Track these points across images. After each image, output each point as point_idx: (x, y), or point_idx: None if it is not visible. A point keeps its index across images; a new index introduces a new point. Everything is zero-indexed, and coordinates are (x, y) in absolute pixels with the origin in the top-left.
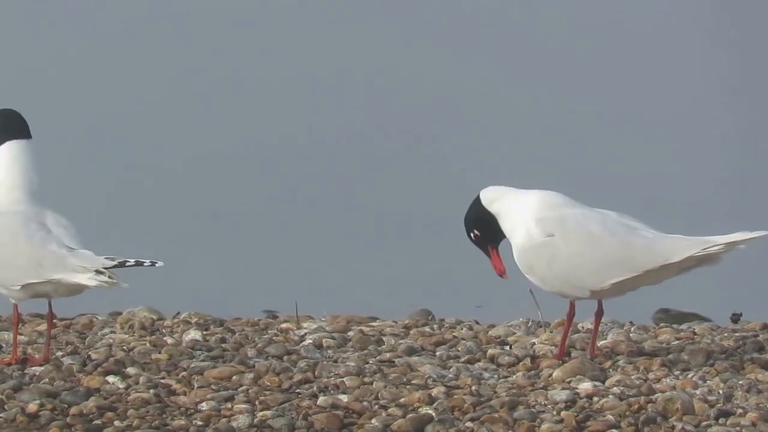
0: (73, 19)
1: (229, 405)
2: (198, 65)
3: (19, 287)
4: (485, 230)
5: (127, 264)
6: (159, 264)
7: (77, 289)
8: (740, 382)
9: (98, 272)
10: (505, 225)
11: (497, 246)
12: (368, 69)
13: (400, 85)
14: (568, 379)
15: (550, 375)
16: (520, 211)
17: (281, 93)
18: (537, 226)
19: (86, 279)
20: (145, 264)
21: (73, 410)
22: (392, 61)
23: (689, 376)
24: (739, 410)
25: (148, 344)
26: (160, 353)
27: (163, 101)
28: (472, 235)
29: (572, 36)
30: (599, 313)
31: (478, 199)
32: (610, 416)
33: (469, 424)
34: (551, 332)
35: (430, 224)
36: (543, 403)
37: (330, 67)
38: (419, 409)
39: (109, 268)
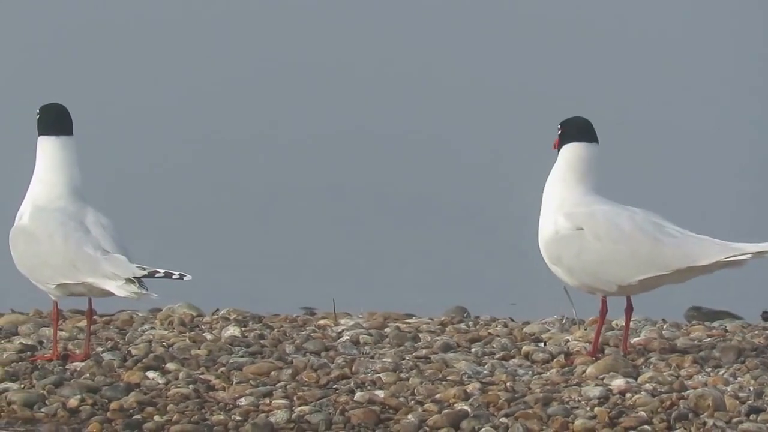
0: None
1: (267, 400)
2: (256, 54)
3: (54, 286)
4: None
5: (157, 275)
6: (187, 277)
7: (109, 293)
8: None
9: (129, 281)
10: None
11: None
12: (418, 64)
13: (439, 81)
14: (602, 376)
15: (584, 372)
16: (548, 195)
17: (328, 84)
18: (566, 219)
19: (116, 287)
20: (173, 276)
21: (114, 405)
22: (439, 59)
23: (721, 373)
24: None
25: (187, 340)
26: (199, 349)
27: (195, 91)
28: None
29: (603, 39)
30: (629, 309)
31: None
32: (643, 412)
33: (503, 419)
34: (585, 329)
35: (465, 222)
36: (576, 399)
37: (384, 61)
38: (455, 405)
39: (139, 277)
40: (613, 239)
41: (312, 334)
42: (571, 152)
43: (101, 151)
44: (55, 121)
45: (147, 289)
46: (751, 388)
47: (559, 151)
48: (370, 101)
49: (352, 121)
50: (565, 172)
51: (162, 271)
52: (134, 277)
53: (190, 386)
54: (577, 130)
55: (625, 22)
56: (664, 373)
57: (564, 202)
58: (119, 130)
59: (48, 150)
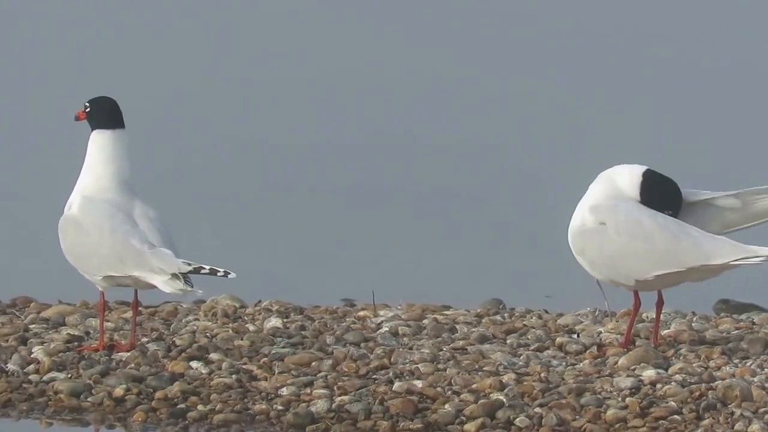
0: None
1: (308, 390)
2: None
3: (101, 277)
4: None
5: (202, 271)
6: (232, 275)
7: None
8: None
9: (175, 277)
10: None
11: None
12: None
13: (461, 83)
14: (633, 367)
15: (616, 363)
16: (585, 196)
17: (361, 89)
18: (591, 213)
19: (162, 282)
20: (218, 274)
21: (158, 394)
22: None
23: (748, 364)
24: None
25: (230, 331)
26: (242, 340)
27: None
28: None
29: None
30: (659, 303)
31: None
32: (673, 403)
33: (537, 409)
34: (617, 321)
35: (500, 216)
36: (609, 389)
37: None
38: (490, 395)
39: (185, 273)
40: (632, 235)
41: (352, 326)
42: (612, 174)
43: (148, 143)
44: (108, 114)
45: (192, 286)
46: None
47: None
48: (398, 104)
49: (381, 124)
50: (608, 175)
51: (207, 267)
52: (180, 273)
53: (233, 376)
54: None
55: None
56: (694, 365)
57: (597, 197)
58: (162, 124)
59: (100, 143)
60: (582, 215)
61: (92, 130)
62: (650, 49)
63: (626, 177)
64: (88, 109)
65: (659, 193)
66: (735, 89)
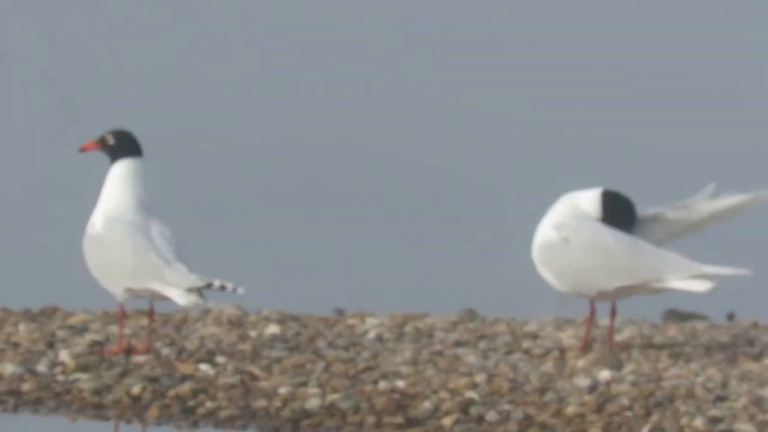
0: None
1: (303, 389)
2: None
3: (122, 289)
4: None
5: (213, 286)
6: (241, 291)
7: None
8: (734, 372)
9: (190, 290)
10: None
11: None
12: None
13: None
14: (591, 369)
15: (575, 365)
16: (547, 215)
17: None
18: (555, 230)
19: (177, 295)
20: (228, 289)
21: (171, 393)
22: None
23: (692, 366)
24: (734, 395)
25: (234, 337)
26: (244, 344)
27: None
28: None
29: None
30: (613, 312)
31: None
32: (625, 400)
33: (506, 406)
34: (576, 328)
35: (469, 232)
36: (569, 388)
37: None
38: (464, 393)
39: (198, 288)
40: (595, 250)
41: (342, 332)
42: (573, 197)
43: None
44: (124, 146)
45: (206, 300)
46: (718, 380)
47: None
48: (358, 111)
49: (341, 129)
50: (570, 198)
51: (218, 282)
52: (194, 288)
53: (237, 377)
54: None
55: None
56: (644, 367)
57: (559, 215)
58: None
59: (124, 171)
60: (546, 232)
61: (115, 160)
62: (614, 71)
63: (587, 198)
64: (111, 142)
65: (617, 211)
66: (685, 106)
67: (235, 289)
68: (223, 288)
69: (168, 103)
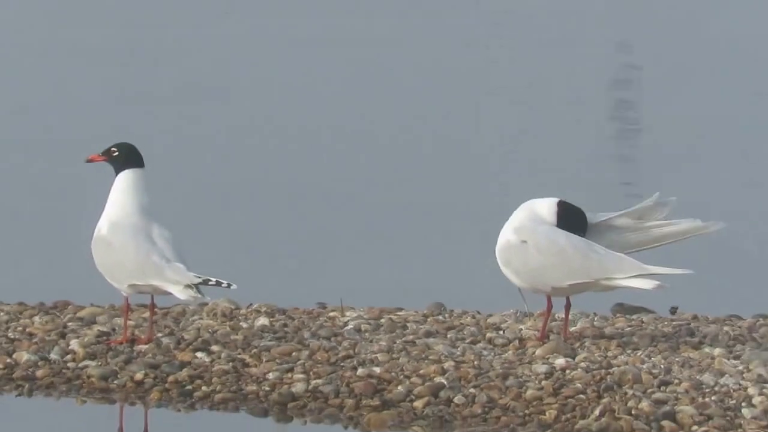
0: None
1: (289, 375)
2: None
3: (126, 285)
4: None
5: (209, 283)
6: (234, 287)
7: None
8: (677, 359)
9: (188, 287)
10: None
11: None
12: None
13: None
14: (547, 356)
15: (534, 353)
16: (509, 221)
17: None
18: (514, 233)
19: (177, 291)
20: (222, 285)
21: (170, 378)
22: None
23: (638, 354)
24: (676, 380)
25: (227, 328)
26: (237, 335)
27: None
28: None
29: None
30: (568, 306)
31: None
32: (579, 384)
33: (472, 390)
34: (535, 320)
35: (447, 229)
36: (528, 374)
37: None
38: (434, 379)
39: (195, 284)
40: (549, 251)
41: (324, 324)
42: (532, 204)
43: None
44: (127, 158)
45: (203, 295)
46: (662, 366)
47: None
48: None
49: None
50: (529, 205)
51: (213, 279)
52: (191, 284)
53: (230, 364)
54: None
55: None
56: (595, 354)
57: (518, 219)
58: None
59: (127, 181)
60: (507, 235)
61: (119, 171)
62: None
63: (545, 206)
64: (115, 153)
65: (571, 218)
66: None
67: (228, 285)
68: (218, 284)
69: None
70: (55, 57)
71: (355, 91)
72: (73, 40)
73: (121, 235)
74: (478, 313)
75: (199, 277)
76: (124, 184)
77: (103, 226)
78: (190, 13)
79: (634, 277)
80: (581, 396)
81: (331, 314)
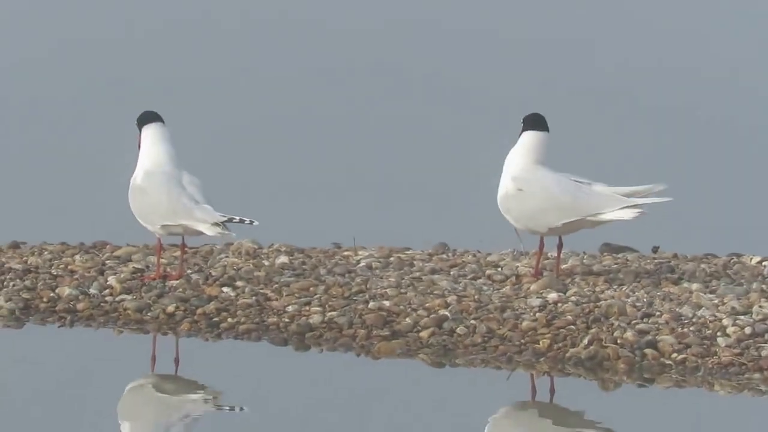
0: None
1: (307, 308)
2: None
3: (160, 226)
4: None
5: (233, 220)
6: (256, 223)
7: (201, 233)
8: (658, 293)
9: (215, 224)
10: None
11: None
12: None
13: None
14: (541, 291)
15: (529, 288)
16: (505, 166)
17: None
18: (512, 183)
19: (206, 228)
20: (245, 222)
21: (199, 311)
22: None
23: (623, 289)
24: (657, 313)
25: (251, 265)
26: (259, 271)
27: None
28: None
29: None
30: (560, 245)
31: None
32: (570, 317)
33: (473, 321)
34: (530, 259)
35: (444, 182)
36: (523, 307)
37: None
38: (439, 311)
39: (222, 222)
40: (543, 196)
41: (339, 262)
42: (527, 138)
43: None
44: (151, 116)
45: (229, 231)
46: (644, 300)
47: (519, 135)
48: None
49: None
50: (520, 151)
51: (237, 217)
52: (219, 222)
53: (253, 298)
54: (533, 122)
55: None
56: (585, 289)
57: (514, 170)
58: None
59: (151, 134)
60: (506, 184)
61: (143, 126)
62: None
63: (519, 142)
64: (139, 116)
65: (534, 120)
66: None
67: (251, 222)
68: (242, 221)
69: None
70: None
71: (383, 31)
72: None
73: (155, 182)
74: (479, 252)
75: (225, 216)
76: (152, 137)
77: (138, 175)
78: None
79: (619, 210)
80: (572, 327)
81: (345, 253)
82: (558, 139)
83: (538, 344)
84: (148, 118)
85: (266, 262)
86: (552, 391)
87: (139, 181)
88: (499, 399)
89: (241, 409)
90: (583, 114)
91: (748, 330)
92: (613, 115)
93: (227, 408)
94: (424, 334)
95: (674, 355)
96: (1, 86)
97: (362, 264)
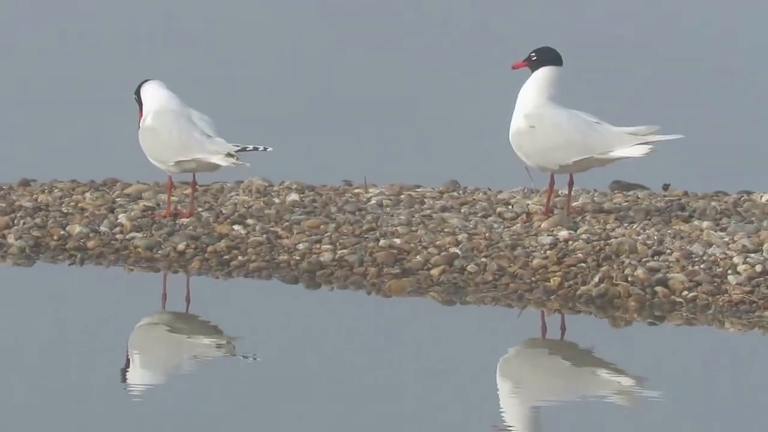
0: None
1: (318, 246)
2: None
3: (173, 163)
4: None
5: (247, 149)
6: (270, 149)
7: (214, 167)
8: (669, 231)
9: (228, 155)
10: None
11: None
12: None
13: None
14: (552, 229)
15: (539, 226)
16: (518, 102)
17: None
18: (524, 120)
19: (219, 159)
20: (259, 149)
21: (210, 249)
22: None
23: (634, 227)
24: (668, 250)
25: (262, 203)
26: (270, 209)
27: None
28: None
29: None
30: (570, 183)
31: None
32: (580, 254)
33: (483, 259)
34: (540, 196)
35: (456, 121)
36: (534, 245)
37: None
38: (449, 249)
39: (236, 152)
40: (555, 134)
41: (350, 199)
42: (541, 73)
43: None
44: (146, 80)
45: (242, 162)
46: (655, 237)
47: (532, 71)
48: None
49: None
50: (533, 86)
51: (251, 146)
52: (232, 153)
53: (264, 236)
54: (549, 57)
55: None
56: (595, 227)
57: (527, 107)
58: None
59: (151, 88)
60: (518, 121)
61: (144, 83)
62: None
63: (533, 75)
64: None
65: (545, 52)
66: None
67: (265, 149)
68: (255, 149)
69: None
70: None
71: None
72: None
73: (165, 120)
74: (489, 189)
75: (238, 146)
76: (152, 90)
77: (147, 116)
78: None
79: (630, 147)
80: (582, 264)
81: (356, 191)
82: (569, 80)
83: (549, 282)
84: (143, 82)
85: (277, 200)
86: (563, 328)
87: (149, 122)
88: (510, 337)
89: (255, 358)
90: (597, 63)
91: (758, 268)
92: (628, 64)
93: (241, 355)
94: (434, 271)
95: (685, 292)
96: (14, 22)
97: (373, 202)
